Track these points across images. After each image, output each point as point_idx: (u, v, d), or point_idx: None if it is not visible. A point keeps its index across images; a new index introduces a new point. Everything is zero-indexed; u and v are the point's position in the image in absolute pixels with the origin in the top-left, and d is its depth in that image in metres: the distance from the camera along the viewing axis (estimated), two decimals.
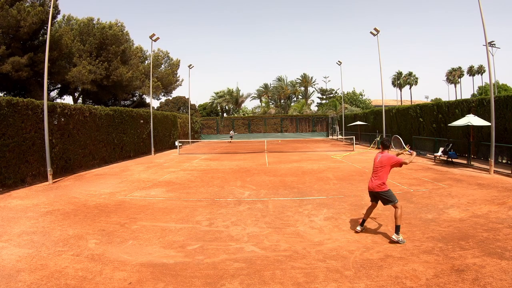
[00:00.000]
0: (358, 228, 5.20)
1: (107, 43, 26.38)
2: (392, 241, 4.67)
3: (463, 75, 59.84)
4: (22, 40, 20.62)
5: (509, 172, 10.15)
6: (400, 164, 4.93)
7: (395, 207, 4.84)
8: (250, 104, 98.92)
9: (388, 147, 5.16)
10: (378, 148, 21.14)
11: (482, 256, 4.15)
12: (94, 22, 26.66)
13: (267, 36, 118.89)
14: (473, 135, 13.37)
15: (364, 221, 5.26)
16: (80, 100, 30.16)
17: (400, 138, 5.71)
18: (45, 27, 20.47)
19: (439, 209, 6.45)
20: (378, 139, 21.64)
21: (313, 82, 58.19)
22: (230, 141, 32.58)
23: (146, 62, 34.54)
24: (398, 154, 5.42)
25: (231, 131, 36.41)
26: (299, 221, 5.93)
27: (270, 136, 37.13)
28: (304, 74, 57.40)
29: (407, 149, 5.50)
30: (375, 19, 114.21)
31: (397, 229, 4.71)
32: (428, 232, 5.15)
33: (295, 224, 5.76)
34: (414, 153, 5.22)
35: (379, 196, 4.97)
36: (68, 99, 56.47)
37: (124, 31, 28.70)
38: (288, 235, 5.21)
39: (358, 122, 26.52)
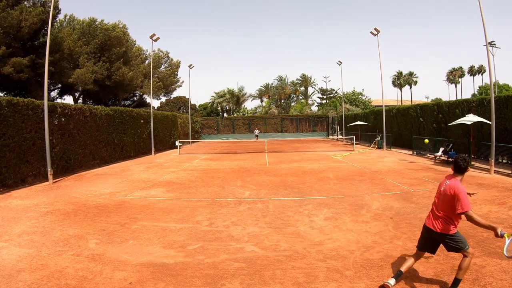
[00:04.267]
0: (391, 282, 3.34)
1: (109, 44, 26.42)
2: None
3: (464, 75, 59.86)
4: (22, 41, 20.65)
5: (509, 172, 10.14)
6: (459, 213, 3.18)
7: (465, 256, 3.31)
8: (250, 104, 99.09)
9: (464, 171, 3.36)
10: (379, 148, 21.13)
11: (482, 256, 4.15)
12: (97, 23, 26.71)
13: (267, 36, 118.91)
14: (474, 135, 13.36)
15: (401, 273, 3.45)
16: (80, 100, 30.21)
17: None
18: (46, 27, 20.50)
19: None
20: (379, 138, 21.64)
21: (313, 82, 58.27)
22: (257, 140, 33.71)
23: (147, 62, 34.59)
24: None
25: (256, 130, 37.36)
26: (299, 221, 5.93)
27: (270, 136, 37.17)
28: (303, 74, 57.49)
29: None
30: (375, 19, 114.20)
31: (456, 284, 3.32)
32: None
33: (295, 224, 5.76)
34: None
35: (442, 241, 3.37)
36: (68, 99, 56.56)
37: (126, 32, 28.76)
38: (289, 235, 5.21)
39: (358, 122, 26.51)
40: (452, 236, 3.29)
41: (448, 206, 3.29)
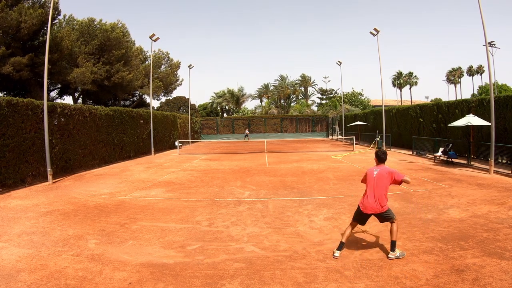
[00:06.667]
0: (337, 253, 4.28)
1: (109, 45, 26.40)
2: (390, 259, 4.13)
3: (463, 75, 59.88)
4: (22, 41, 20.64)
5: (509, 172, 10.15)
6: (400, 181, 4.30)
7: (392, 223, 4.26)
8: (250, 104, 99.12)
9: (385, 161, 4.44)
10: (378, 148, 21.17)
11: (482, 256, 4.15)
12: (96, 22, 26.69)
13: (267, 36, 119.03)
14: (473, 135, 13.37)
15: (343, 244, 4.35)
16: (80, 100, 30.20)
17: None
18: (45, 28, 20.50)
19: (439, 209, 6.45)
20: (378, 139, 21.65)
21: (313, 82, 58.37)
22: (246, 140, 33.58)
23: (147, 62, 34.60)
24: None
25: (246, 130, 37.36)
26: (299, 221, 5.93)
27: (270, 137, 37.19)
28: (303, 74, 57.61)
29: None
30: (375, 19, 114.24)
31: (393, 245, 4.18)
32: (428, 232, 5.15)
33: (295, 224, 5.76)
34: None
35: (380, 216, 4.31)
36: (68, 99, 56.48)
37: (125, 32, 28.75)
38: (288, 235, 5.21)
39: (358, 122, 26.52)
40: (388, 211, 4.27)
41: (385, 185, 4.25)
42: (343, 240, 4.35)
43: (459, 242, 4.66)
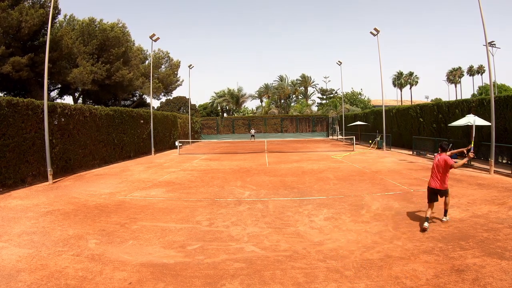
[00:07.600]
0: (426, 224, 5.27)
1: (108, 44, 26.39)
2: (442, 221, 5.64)
3: (463, 75, 59.85)
4: (22, 41, 20.64)
5: (509, 172, 10.15)
6: (450, 166, 5.43)
7: (447, 196, 5.68)
8: (250, 104, 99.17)
9: (446, 150, 5.73)
10: (378, 148, 21.19)
11: (482, 256, 4.15)
12: (96, 22, 26.69)
13: (267, 36, 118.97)
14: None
15: (428, 218, 5.42)
16: (80, 100, 30.20)
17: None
18: (46, 28, 20.50)
19: (439, 209, 6.44)
20: (378, 139, 21.64)
21: (312, 82, 58.35)
22: (252, 140, 33.97)
23: (147, 62, 34.60)
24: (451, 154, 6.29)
25: (252, 130, 37.47)
26: (299, 221, 5.94)
27: (270, 136, 37.20)
28: (303, 74, 57.56)
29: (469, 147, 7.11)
30: (375, 19, 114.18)
31: (446, 212, 5.75)
32: (428, 232, 5.16)
33: (295, 224, 5.77)
34: (471, 155, 6.41)
35: (441, 192, 5.58)
36: (68, 99, 56.50)
37: (125, 31, 28.73)
38: (288, 235, 5.21)
39: (358, 122, 26.49)
40: (447, 191, 5.67)
41: (443, 169, 5.53)
42: (428, 216, 5.41)
43: (459, 242, 4.66)
